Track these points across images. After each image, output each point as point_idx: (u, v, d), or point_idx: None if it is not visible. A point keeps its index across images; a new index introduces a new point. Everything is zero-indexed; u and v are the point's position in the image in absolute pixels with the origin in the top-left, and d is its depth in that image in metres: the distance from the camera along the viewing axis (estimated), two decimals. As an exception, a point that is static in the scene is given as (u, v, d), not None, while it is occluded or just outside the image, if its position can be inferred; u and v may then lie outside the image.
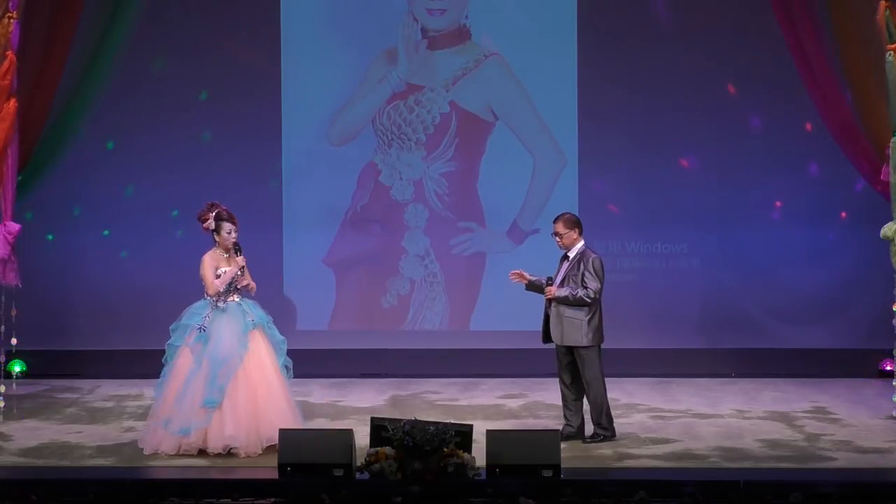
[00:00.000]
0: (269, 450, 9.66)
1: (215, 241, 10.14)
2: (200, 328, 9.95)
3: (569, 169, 13.50)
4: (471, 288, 13.62)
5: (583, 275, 10.13)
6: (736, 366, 13.38)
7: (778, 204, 13.46)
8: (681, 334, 13.48)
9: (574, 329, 10.18)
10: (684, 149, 13.45)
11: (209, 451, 9.76)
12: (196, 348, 9.93)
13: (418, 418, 9.15)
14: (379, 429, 9.04)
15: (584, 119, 13.45)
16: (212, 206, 10.13)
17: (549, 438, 9.07)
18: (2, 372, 11.61)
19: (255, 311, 10.12)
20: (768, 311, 13.45)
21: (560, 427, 10.25)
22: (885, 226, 11.01)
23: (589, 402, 10.28)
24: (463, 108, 13.50)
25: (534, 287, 10.35)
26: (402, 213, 13.58)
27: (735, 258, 13.48)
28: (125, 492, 8.66)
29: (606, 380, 10.32)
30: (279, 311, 10.44)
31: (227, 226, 10.07)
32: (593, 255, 10.23)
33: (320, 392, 12.36)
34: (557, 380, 10.40)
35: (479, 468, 8.87)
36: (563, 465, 8.87)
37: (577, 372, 10.28)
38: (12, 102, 11.09)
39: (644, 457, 9.83)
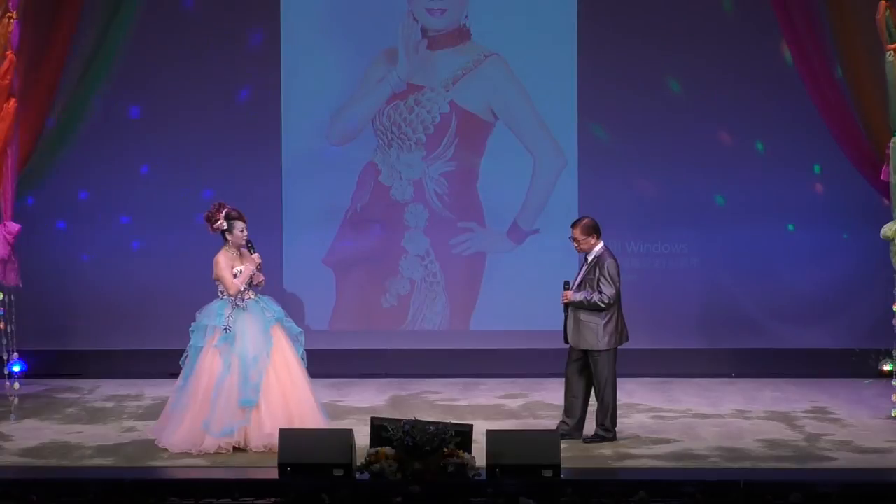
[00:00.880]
0: None
1: (226, 241, 10.18)
2: (225, 328, 10.01)
3: (569, 169, 13.49)
4: (471, 288, 13.61)
5: (598, 280, 10.17)
6: (736, 366, 13.37)
7: (778, 204, 13.44)
8: (681, 334, 13.48)
9: (591, 333, 10.22)
10: (684, 149, 13.44)
11: (251, 449, 9.88)
12: (223, 349, 10.01)
13: (418, 418, 9.15)
14: (379, 429, 9.05)
15: (584, 119, 13.45)
16: (220, 207, 10.18)
17: (549, 438, 9.08)
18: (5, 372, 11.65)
19: (272, 307, 10.23)
20: (768, 311, 13.44)
21: (556, 424, 10.30)
22: (885, 226, 11.01)
23: (598, 404, 10.29)
24: (463, 108, 13.49)
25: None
26: (402, 213, 13.58)
27: (735, 258, 13.47)
28: (125, 492, 8.66)
29: (610, 380, 10.36)
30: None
31: (239, 224, 10.16)
32: (609, 260, 10.26)
33: (320, 392, 12.26)
34: (559, 378, 10.44)
35: (479, 468, 8.87)
36: (563, 465, 8.87)
37: (585, 372, 10.30)
38: (12, 102, 11.09)
39: (644, 457, 9.83)
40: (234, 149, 13.39)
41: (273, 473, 8.99)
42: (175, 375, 10.32)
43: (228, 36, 13.44)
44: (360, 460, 8.94)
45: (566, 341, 10.37)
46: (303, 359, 10.30)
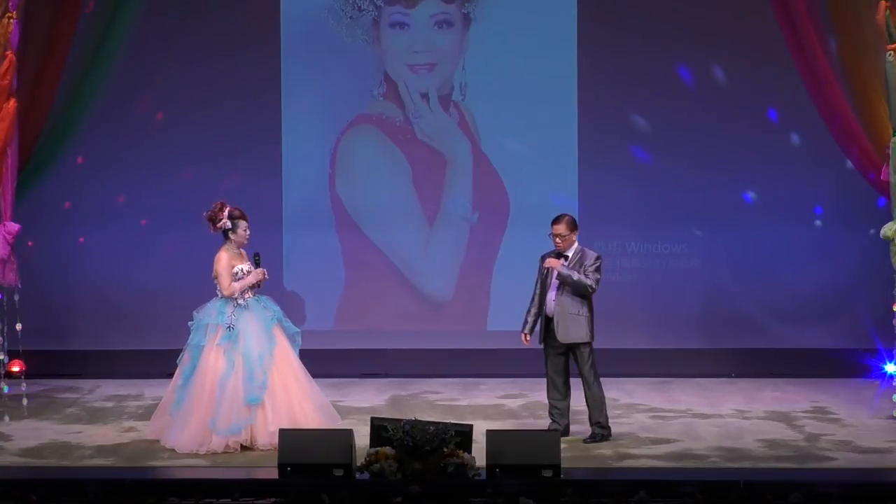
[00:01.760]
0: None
1: (228, 240, 10.19)
2: (229, 326, 10.02)
3: (569, 169, 13.49)
4: (472, 288, 13.61)
5: (585, 271, 10.17)
6: (736, 366, 13.38)
7: (778, 204, 13.45)
8: (681, 334, 13.48)
9: (579, 326, 10.23)
10: (684, 148, 13.44)
11: (258, 447, 9.91)
12: (227, 347, 10.02)
13: (418, 418, 9.15)
14: (379, 429, 9.05)
15: (584, 119, 13.45)
16: (222, 206, 10.19)
17: (549, 438, 9.08)
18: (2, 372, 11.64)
19: (271, 306, 10.29)
20: (768, 311, 13.45)
21: (546, 428, 10.31)
22: (886, 226, 11.01)
23: (589, 400, 10.29)
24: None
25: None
26: (402, 212, 13.59)
27: (735, 258, 13.48)
28: (125, 492, 8.67)
29: (606, 379, 10.35)
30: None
31: (242, 223, 10.21)
32: (595, 253, 10.30)
33: (322, 392, 12.35)
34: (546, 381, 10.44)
35: (479, 468, 8.87)
36: (563, 465, 8.87)
37: (566, 369, 10.32)
38: (12, 102, 11.10)
39: (644, 457, 9.83)
40: (234, 149, 13.40)
41: (273, 473, 8.98)
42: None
43: (229, 35, 13.44)
44: (360, 460, 8.94)
45: (544, 342, 10.34)
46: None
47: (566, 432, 10.27)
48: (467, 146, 13.59)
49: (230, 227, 10.18)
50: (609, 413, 10.40)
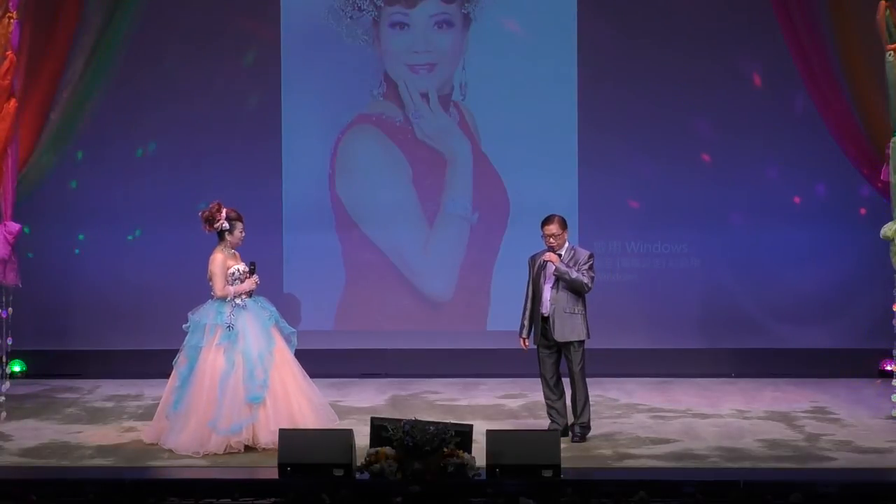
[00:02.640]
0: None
1: (223, 240, 10.20)
2: (228, 326, 10.02)
3: (569, 169, 13.49)
4: (472, 288, 13.61)
5: (580, 269, 10.19)
6: (736, 366, 13.38)
7: (778, 204, 13.45)
8: (681, 334, 13.48)
9: (577, 324, 10.26)
10: (684, 148, 13.44)
11: (260, 446, 9.92)
12: (226, 347, 10.03)
13: (418, 418, 9.15)
14: (379, 429, 9.05)
15: (584, 119, 13.45)
16: (219, 207, 10.19)
17: (549, 438, 9.08)
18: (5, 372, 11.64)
19: (267, 307, 10.32)
20: (768, 311, 13.45)
21: (546, 428, 10.31)
22: (885, 226, 11.00)
23: (578, 398, 10.30)
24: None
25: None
26: (402, 212, 13.59)
27: (735, 258, 13.48)
28: (125, 492, 8.67)
29: (605, 379, 10.37)
30: (279, 311, 10.47)
31: (239, 225, 10.26)
32: (587, 251, 10.37)
33: (320, 392, 12.35)
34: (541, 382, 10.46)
35: (479, 468, 8.87)
36: (563, 465, 8.87)
37: (559, 372, 10.35)
38: (12, 102, 11.09)
39: (644, 457, 9.83)
40: (234, 149, 13.40)
41: (273, 473, 8.99)
42: (174, 375, 10.30)
43: (229, 34, 13.44)
44: (360, 460, 8.94)
45: (539, 343, 10.36)
46: None
47: (566, 432, 10.27)
48: (467, 146, 13.59)
49: (227, 227, 10.19)
50: (609, 413, 10.41)
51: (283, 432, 9.12)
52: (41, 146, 11.84)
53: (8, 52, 11.02)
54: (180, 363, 10.17)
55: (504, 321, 13.18)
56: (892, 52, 10.87)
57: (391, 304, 13.61)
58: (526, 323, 10.43)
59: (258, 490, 8.72)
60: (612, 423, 11.01)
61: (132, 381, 12.87)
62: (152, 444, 10.19)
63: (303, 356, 10.51)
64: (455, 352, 13.46)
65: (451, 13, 13.51)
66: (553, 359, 10.37)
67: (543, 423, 10.53)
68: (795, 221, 13.43)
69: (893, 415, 11.10)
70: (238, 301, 10.16)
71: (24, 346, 12.17)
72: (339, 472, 8.83)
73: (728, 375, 13.27)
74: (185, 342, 10.19)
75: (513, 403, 12.01)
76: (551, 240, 10.30)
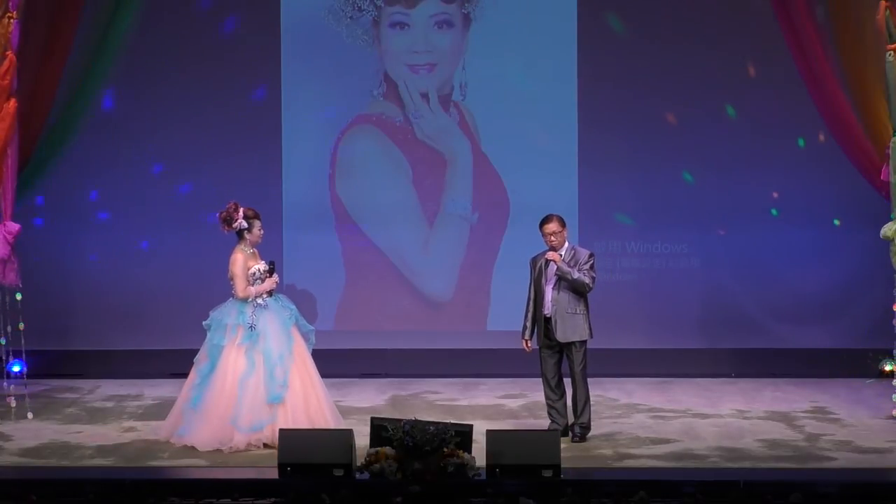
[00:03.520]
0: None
1: (242, 240, 10.22)
2: (250, 326, 10.03)
3: (569, 169, 13.49)
4: (472, 288, 13.61)
5: (581, 269, 10.20)
6: (736, 366, 13.38)
7: (778, 204, 13.45)
8: (681, 334, 13.48)
9: (578, 325, 10.27)
10: (684, 149, 13.44)
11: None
12: (248, 346, 10.06)
13: (418, 418, 9.15)
14: (379, 429, 9.05)
15: (584, 119, 13.45)
16: (237, 206, 10.22)
17: (549, 438, 9.09)
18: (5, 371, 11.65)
19: (288, 305, 10.37)
20: (768, 311, 13.45)
21: (546, 428, 10.31)
22: (885, 226, 11.01)
23: (578, 398, 10.30)
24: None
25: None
26: (402, 212, 13.59)
27: (735, 258, 13.48)
28: (125, 492, 8.66)
29: (606, 379, 10.36)
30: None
31: (257, 223, 10.30)
32: (587, 250, 10.38)
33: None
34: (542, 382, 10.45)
35: (479, 468, 8.87)
36: (563, 465, 8.87)
37: (560, 372, 10.35)
38: (12, 102, 11.09)
39: (644, 457, 9.83)
40: (235, 149, 13.39)
41: (273, 473, 8.99)
42: (175, 375, 10.33)
43: (228, 34, 13.44)
44: (360, 460, 8.94)
45: (541, 343, 10.37)
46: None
47: (566, 432, 10.28)
48: (467, 146, 13.60)
49: (246, 227, 10.22)
50: (609, 413, 10.41)
51: (283, 432, 9.12)
52: (41, 146, 11.86)
53: (8, 52, 11.03)
54: (201, 361, 10.19)
55: (504, 321, 13.19)
56: (892, 52, 10.87)
57: (391, 304, 13.61)
58: (528, 325, 10.44)
59: (258, 490, 8.71)
60: (613, 423, 11.01)
61: (132, 381, 12.87)
62: (154, 441, 10.19)
63: (303, 356, 10.51)
64: (455, 352, 13.46)
65: (451, 13, 13.52)
66: (555, 359, 10.37)
67: (543, 423, 10.53)
68: (795, 221, 13.43)
69: (893, 414, 11.10)
70: (259, 301, 10.17)
71: (25, 346, 12.14)
72: (339, 472, 8.83)
73: (728, 375, 13.27)
74: (206, 340, 10.20)
75: (513, 403, 12.01)
76: (552, 238, 10.31)
